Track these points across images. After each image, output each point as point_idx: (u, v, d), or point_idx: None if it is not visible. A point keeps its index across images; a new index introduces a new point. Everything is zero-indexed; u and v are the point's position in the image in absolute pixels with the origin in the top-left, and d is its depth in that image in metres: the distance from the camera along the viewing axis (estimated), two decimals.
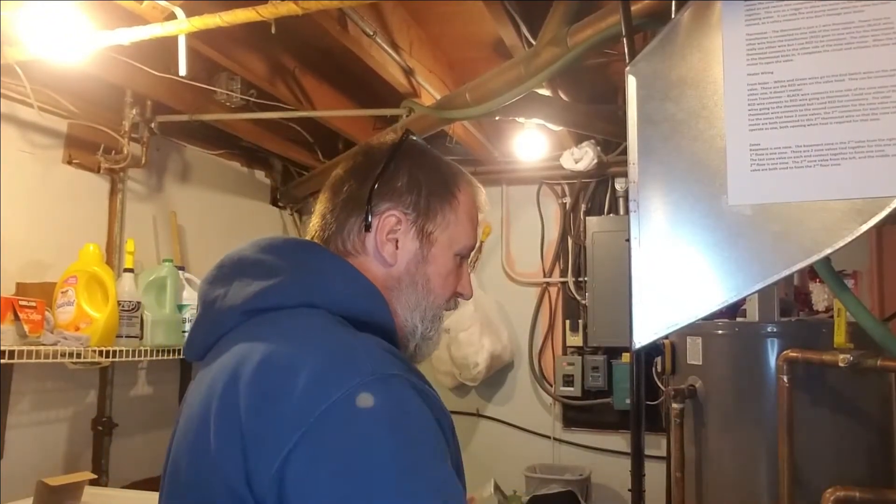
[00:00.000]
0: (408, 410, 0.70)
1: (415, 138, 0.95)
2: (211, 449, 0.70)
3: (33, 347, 1.92)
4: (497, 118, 2.83)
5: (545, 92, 2.61)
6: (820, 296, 2.15)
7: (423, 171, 0.92)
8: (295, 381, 0.68)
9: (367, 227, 0.88)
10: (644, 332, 1.03)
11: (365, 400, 0.67)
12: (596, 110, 2.89)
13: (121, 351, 2.20)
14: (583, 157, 3.27)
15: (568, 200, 3.71)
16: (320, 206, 0.93)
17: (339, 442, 0.65)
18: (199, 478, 0.73)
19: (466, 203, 0.95)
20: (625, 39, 1.52)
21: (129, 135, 2.53)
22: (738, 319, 2.06)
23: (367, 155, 0.93)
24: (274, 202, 3.64)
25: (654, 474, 2.46)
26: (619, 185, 3.54)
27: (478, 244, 3.78)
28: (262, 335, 0.76)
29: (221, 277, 0.86)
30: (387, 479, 0.65)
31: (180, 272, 2.55)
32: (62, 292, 2.15)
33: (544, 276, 3.75)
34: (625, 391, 3.26)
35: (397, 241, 0.89)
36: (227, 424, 0.70)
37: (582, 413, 3.60)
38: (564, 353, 3.64)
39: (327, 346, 0.73)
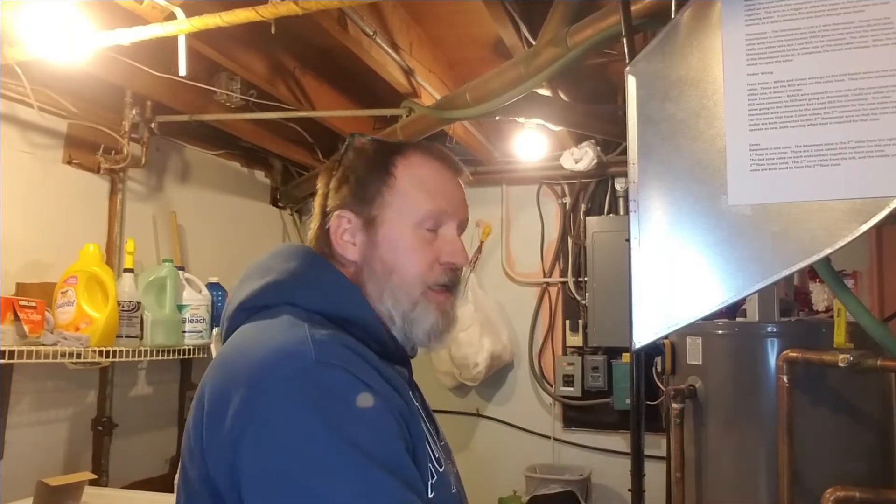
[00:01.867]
0: (344, 397, 0.74)
1: (360, 136, 0.98)
2: (189, 438, 0.81)
3: (33, 347, 1.92)
4: (497, 118, 2.83)
5: (545, 92, 2.61)
6: (820, 296, 2.14)
7: (359, 164, 0.95)
8: (240, 376, 0.76)
9: (329, 236, 0.94)
10: (644, 332, 1.03)
11: (302, 388, 0.73)
12: (596, 110, 2.88)
13: (121, 351, 2.20)
14: (583, 157, 3.27)
15: (568, 200, 3.70)
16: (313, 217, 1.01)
17: (276, 429, 0.71)
18: (183, 468, 0.83)
19: (412, 175, 0.93)
20: (625, 39, 1.52)
21: (128, 135, 2.53)
22: (738, 319, 2.06)
23: (324, 169, 1.00)
24: (274, 202, 3.64)
25: (654, 474, 2.46)
26: (619, 185, 3.54)
27: (478, 244, 3.83)
28: (241, 332, 0.85)
29: (241, 280, 0.95)
30: (309, 471, 0.70)
31: (180, 272, 2.55)
32: (62, 292, 2.15)
33: (544, 276, 3.75)
34: (625, 391, 3.26)
35: (354, 238, 0.93)
36: (196, 415, 0.80)
37: (582, 413, 3.60)
38: (564, 353, 3.64)
39: (277, 340, 0.79)
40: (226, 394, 0.75)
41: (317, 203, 0.99)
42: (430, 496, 0.79)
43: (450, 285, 0.94)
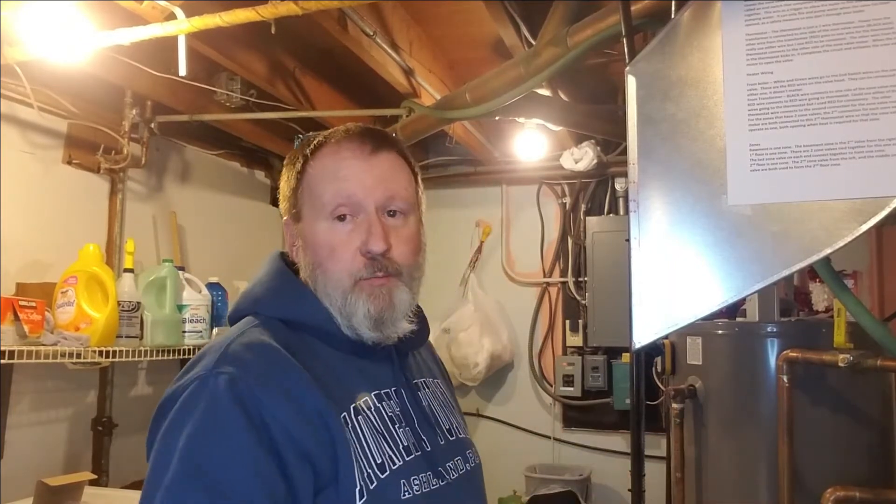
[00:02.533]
0: (205, 414, 0.75)
1: (297, 141, 0.99)
2: None
3: (33, 347, 1.92)
4: (497, 118, 2.83)
5: (545, 92, 2.61)
6: (820, 296, 2.14)
7: (287, 168, 0.95)
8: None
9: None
10: (644, 332, 1.03)
11: (180, 398, 0.78)
12: (596, 110, 2.88)
13: (121, 351, 2.20)
14: (583, 157, 3.27)
15: (568, 200, 3.71)
16: None
17: (159, 435, 0.77)
18: None
19: (319, 165, 0.90)
20: (625, 39, 1.52)
21: (128, 135, 2.53)
22: (738, 319, 2.06)
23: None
24: (274, 202, 3.63)
25: (654, 474, 2.46)
26: (618, 185, 3.54)
27: (478, 244, 3.83)
28: None
29: None
30: (171, 472, 0.73)
31: (180, 272, 2.55)
32: (62, 292, 2.14)
33: (544, 276, 3.75)
34: (625, 391, 3.26)
35: (301, 243, 0.92)
36: None
37: (582, 413, 3.60)
38: (564, 353, 3.64)
39: (195, 357, 0.83)
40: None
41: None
42: None
43: (382, 274, 0.88)
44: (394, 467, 0.83)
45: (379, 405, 0.87)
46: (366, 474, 0.79)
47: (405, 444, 0.87)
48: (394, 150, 0.93)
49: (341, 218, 0.88)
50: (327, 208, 0.88)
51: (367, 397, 0.86)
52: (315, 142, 0.93)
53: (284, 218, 0.96)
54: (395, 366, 0.93)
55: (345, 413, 0.82)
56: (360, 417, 0.83)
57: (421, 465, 0.87)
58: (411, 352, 1.01)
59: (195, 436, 0.74)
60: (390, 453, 0.84)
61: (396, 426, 0.88)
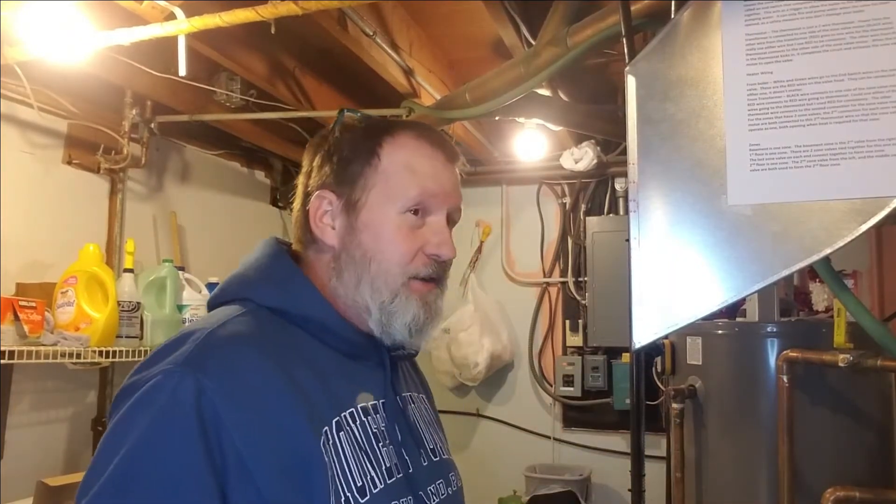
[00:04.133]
0: (160, 415, 0.70)
1: (349, 112, 0.92)
2: None
3: (33, 348, 1.92)
4: (497, 118, 2.83)
5: (545, 92, 2.61)
6: (820, 296, 2.14)
7: (344, 143, 0.88)
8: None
9: (308, 219, 0.88)
10: (644, 332, 1.03)
11: (140, 389, 0.72)
12: (596, 110, 2.88)
13: (121, 351, 2.20)
14: (583, 157, 3.27)
15: (568, 200, 3.71)
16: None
17: (112, 420, 0.73)
18: None
19: (398, 155, 0.86)
20: (624, 39, 1.52)
21: (128, 135, 2.53)
22: (738, 319, 2.06)
23: (309, 146, 0.93)
24: (274, 202, 3.63)
25: (654, 474, 2.45)
26: (618, 185, 3.54)
27: (478, 244, 3.83)
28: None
29: None
30: (110, 469, 0.68)
31: (180, 272, 2.55)
32: (62, 292, 2.14)
33: (544, 276, 3.75)
34: (625, 391, 3.26)
35: (334, 222, 0.86)
36: None
37: (582, 413, 3.60)
38: (564, 353, 3.64)
39: (170, 340, 0.77)
40: None
41: (300, 181, 0.92)
42: None
43: (435, 277, 0.86)
44: (374, 491, 0.77)
45: (365, 419, 0.81)
46: (343, 499, 0.74)
47: (388, 464, 0.81)
48: (459, 166, 0.93)
49: (415, 212, 0.85)
50: (408, 199, 0.84)
51: (352, 409, 0.80)
52: (389, 124, 0.89)
53: (320, 192, 0.87)
54: (387, 374, 0.88)
55: (326, 428, 0.76)
56: (341, 434, 0.77)
57: (402, 489, 0.81)
58: (400, 362, 0.94)
59: (139, 444, 0.68)
60: (372, 474, 0.78)
61: (380, 444, 0.81)
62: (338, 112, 0.92)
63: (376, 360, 0.87)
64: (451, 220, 0.89)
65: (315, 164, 0.90)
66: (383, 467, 0.80)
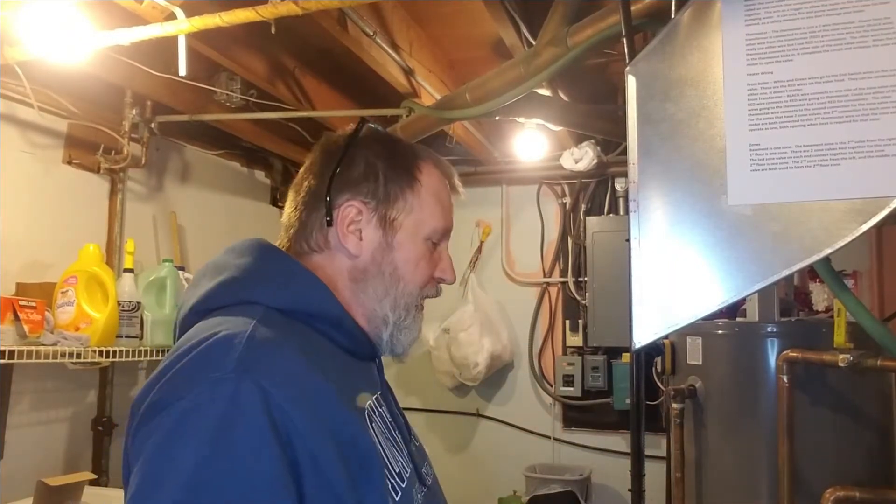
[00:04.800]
0: (228, 427, 0.65)
1: (372, 126, 0.93)
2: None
3: (33, 347, 1.92)
4: (497, 118, 2.83)
5: (545, 92, 2.61)
6: (820, 296, 2.14)
7: (381, 158, 0.89)
8: (157, 376, 0.71)
9: (329, 222, 0.86)
10: (644, 332, 1.03)
11: (188, 402, 0.66)
12: (596, 110, 2.88)
13: (121, 351, 2.20)
14: (583, 157, 3.27)
15: (568, 200, 3.71)
16: (286, 207, 0.93)
17: (155, 436, 0.66)
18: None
19: (431, 185, 0.92)
20: (625, 39, 1.52)
21: (128, 135, 2.53)
22: (738, 319, 2.06)
23: (324, 149, 0.92)
24: (274, 202, 3.63)
25: (654, 474, 2.45)
26: (619, 185, 3.54)
27: (478, 244, 3.83)
28: (192, 330, 0.79)
29: (194, 281, 0.88)
30: (167, 491, 0.63)
31: (180, 272, 2.55)
32: (62, 292, 2.14)
33: (544, 276, 3.75)
34: (625, 391, 3.26)
35: (361, 232, 0.87)
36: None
37: (582, 413, 3.60)
38: (564, 353, 3.64)
39: (193, 351, 0.71)
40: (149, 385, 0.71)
41: (306, 181, 0.90)
42: None
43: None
44: (407, 475, 0.82)
45: (381, 409, 0.86)
46: (389, 486, 0.76)
47: (407, 450, 0.87)
48: None
49: (434, 242, 0.92)
50: (432, 230, 0.91)
51: (370, 400, 0.83)
52: (418, 152, 0.94)
53: (352, 201, 0.87)
54: (377, 369, 0.95)
55: (364, 419, 0.78)
56: (374, 424, 0.80)
57: (413, 472, 0.86)
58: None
59: (211, 457, 0.63)
60: (402, 462, 0.83)
61: (395, 431, 0.87)
62: (359, 121, 0.92)
63: (369, 356, 0.92)
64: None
65: (338, 170, 0.87)
66: (405, 452, 0.86)
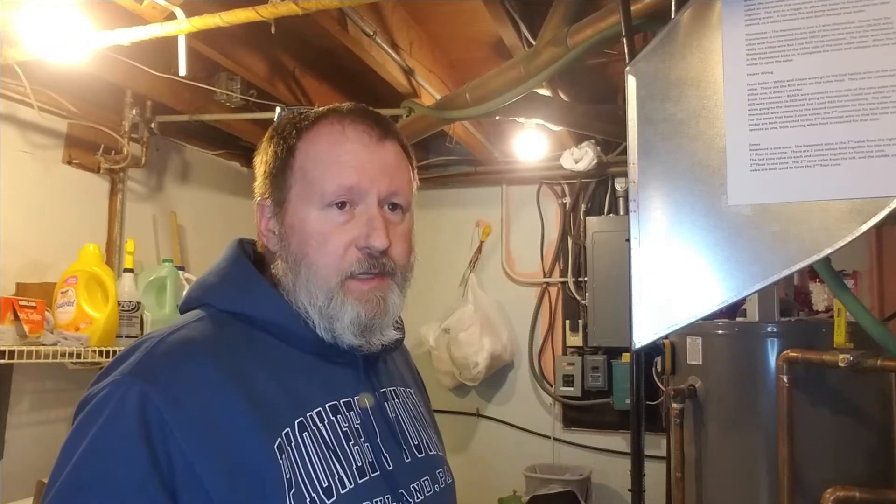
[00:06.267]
0: (106, 425, 0.71)
1: (282, 113, 0.89)
2: None
3: (33, 347, 1.92)
4: (497, 118, 2.83)
5: (545, 92, 2.61)
6: (820, 296, 2.14)
7: (271, 145, 0.86)
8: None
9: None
10: (644, 332, 1.02)
11: (91, 402, 0.73)
12: (596, 110, 2.88)
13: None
14: (583, 157, 3.27)
15: (568, 200, 3.71)
16: None
17: (68, 435, 0.73)
18: None
19: (311, 149, 0.83)
20: (625, 39, 1.52)
21: (128, 135, 2.53)
22: (738, 319, 2.06)
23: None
24: None
25: (654, 474, 2.46)
26: (619, 185, 3.54)
27: (478, 244, 3.83)
28: None
29: None
30: (59, 481, 0.70)
31: (180, 272, 2.55)
32: (62, 292, 2.14)
33: (544, 276, 3.75)
34: (625, 391, 3.26)
35: (275, 229, 0.84)
36: None
37: (582, 413, 3.60)
38: (564, 353, 3.64)
39: (124, 350, 0.78)
40: None
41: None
42: None
43: (377, 272, 0.81)
44: (343, 491, 0.75)
45: (333, 418, 0.79)
46: (308, 500, 0.72)
47: (359, 463, 0.79)
48: (398, 141, 0.87)
49: (340, 206, 0.80)
50: (325, 195, 0.80)
51: (319, 409, 0.78)
52: (309, 117, 0.85)
53: (258, 199, 0.86)
54: (360, 371, 0.85)
55: (287, 430, 0.75)
56: (305, 434, 0.75)
57: (379, 487, 0.79)
58: (383, 357, 0.91)
59: (86, 455, 0.70)
60: (340, 474, 0.76)
61: (351, 443, 0.79)
62: (277, 109, 0.90)
63: (348, 358, 0.84)
64: (391, 205, 0.84)
65: (257, 170, 0.88)
66: (354, 466, 0.78)
